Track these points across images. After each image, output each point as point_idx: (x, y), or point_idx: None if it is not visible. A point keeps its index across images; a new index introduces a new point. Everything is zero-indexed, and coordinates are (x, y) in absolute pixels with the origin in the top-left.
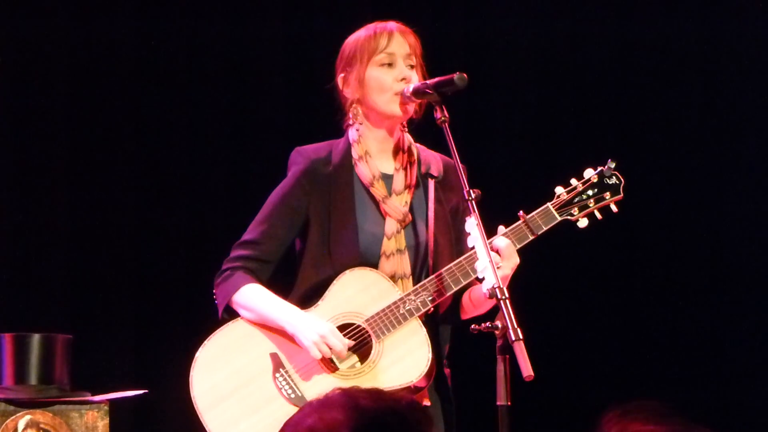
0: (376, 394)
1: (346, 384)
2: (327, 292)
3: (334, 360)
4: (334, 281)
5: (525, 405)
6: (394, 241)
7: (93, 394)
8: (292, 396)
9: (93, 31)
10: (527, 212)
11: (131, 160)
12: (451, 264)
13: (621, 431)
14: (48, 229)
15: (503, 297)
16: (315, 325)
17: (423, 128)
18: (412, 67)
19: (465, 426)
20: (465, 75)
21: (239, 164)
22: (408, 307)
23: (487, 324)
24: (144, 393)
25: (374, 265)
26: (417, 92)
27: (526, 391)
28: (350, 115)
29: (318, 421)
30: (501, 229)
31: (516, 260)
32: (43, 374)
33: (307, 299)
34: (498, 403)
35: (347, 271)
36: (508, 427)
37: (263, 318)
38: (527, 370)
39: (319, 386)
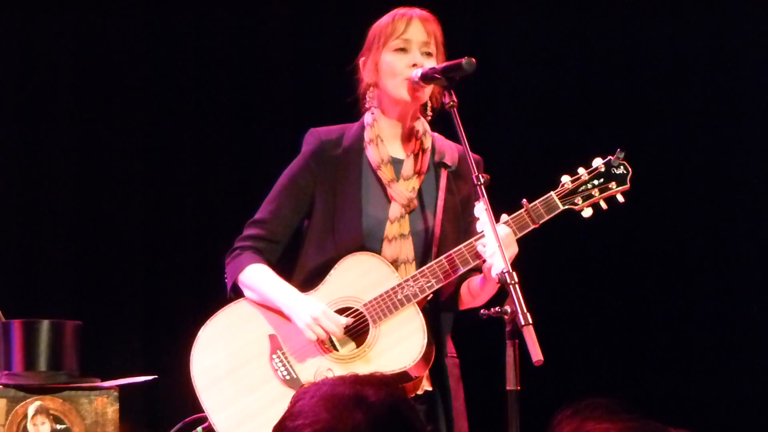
0: (376, 381)
1: (341, 367)
2: (327, 276)
3: (335, 342)
4: (335, 265)
5: (534, 390)
6: (397, 226)
7: (102, 380)
8: (288, 378)
9: (102, 18)
10: (531, 200)
11: (139, 144)
12: (452, 251)
13: (575, 430)
14: (56, 216)
15: (513, 281)
16: (309, 308)
17: (441, 114)
18: (428, 54)
19: (474, 411)
20: (473, 60)
21: (248, 146)
22: (405, 293)
23: (497, 309)
24: (154, 379)
25: (377, 248)
26: (425, 77)
27: (535, 376)
28: (367, 98)
29: (333, 421)
30: (504, 217)
31: (515, 249)
32: (53, 360)
33: (309, 281)
34: (507, 387)
35: (348, 256)
36: (518, 412)
37: (264, 298)
38: (537, 354)
39: (314, 369)
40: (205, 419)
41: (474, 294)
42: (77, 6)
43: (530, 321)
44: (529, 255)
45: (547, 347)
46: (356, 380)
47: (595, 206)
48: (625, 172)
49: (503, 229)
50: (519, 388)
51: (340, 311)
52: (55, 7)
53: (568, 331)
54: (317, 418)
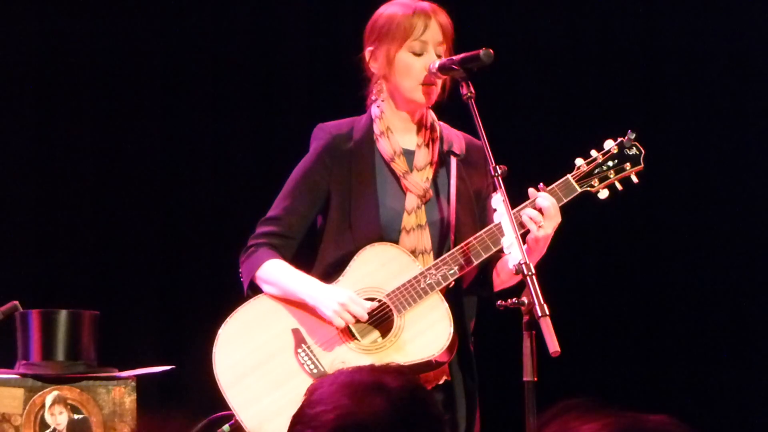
0: (393, 369)
1: (368, 358)
2: (347, 268)
3: (356, 334)
4: (355, 257)
5: (551, 381)
6: (414, 217)
7: (120, 370)
8: (315, 371)
9: (118, 15)
10: (547, 185)
11: (156, 136)
12: (471, 238)
13: (562, 429)
14: (74, 206)
15: (529, 273)
16: (334, 295)
17: (447, 105)
18: (443, 52)
19: (491, 402)
20: (491, 51)
21: (262, 140)
22: (429, 281)
23: (514, 300)
24: (171, 369)
25: (395, 240)
26: (443, 68)
27: (552, 367)
28: (375, 90)
29: (354, 406)
30: (532, 191)
31: (558, 219)
32: (71, 350)
33: (328, 274)
34: (524, 378)
35: (367, 247)
36: (534, 403)
37: (285, 292)
38: (553, 345)
39: (341, 361)
40: (230, 417)
41: (504, 278)
42: (95, 3)
43: (547, 312)
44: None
45: (563, 338)
46: (373, 369)
47: (611, 188)
48: (638, 152)
49: (547, 200)
50: (536, 379)
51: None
52: (72, 5)
53: (585, 322)
54: (338, 403)
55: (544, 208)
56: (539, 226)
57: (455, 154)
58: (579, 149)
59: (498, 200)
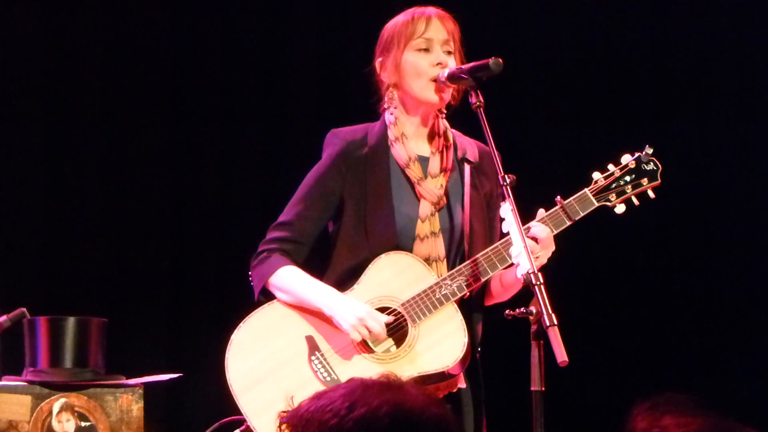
0: (410, 383)
1: (382, 367)
2: (362, 276)
3: (369, 343)
4: (370, 265)
5: (559, 391)
6: (428, 224)
7: (127, 378)
8: (328, 379)
9: (126, 18)
10: (564, 198)
11: (165, 142)
12: (488, 249)
13: (651, 424)
14: (82, 213)
15: (538, 282)
16: (353, 308)
17: (458, 113)
18: (449, 53)
19: (499, 411)
20: (500, 60)
21: (273, 146)
22: (444, 292)
23: (522, 309)
24: (179, 377)
25: (409, 247)
26: (452, 77)
27: (560, 377)
28: (386, 99)
29: (390, 406)
30: (541, 212)
31: (552, 248)
32: (78, 357)
33: (342, 282)
34: (532, 388)
35: (383, 255)
36: (542, 413)
37: (300, 300)
38: (561, 355)
39: (354, 369)
40: (240, 422)
41: (506, 287)
42: (103, 6)
43: (555, 322)
44: (555, 254)
45: (571, 348)
46: (381, 376)
47: (628, 202)
48: (655, 168)
49: (542, 230)
50: (543, 388)
51: (378, 311)
52: (80, 7)
53: (593, 332)
54: (384, 398)
55: (540, 238)
56: (536, 256)
57: (469, 162)
58: (588, 157)
59: (506, 209)
